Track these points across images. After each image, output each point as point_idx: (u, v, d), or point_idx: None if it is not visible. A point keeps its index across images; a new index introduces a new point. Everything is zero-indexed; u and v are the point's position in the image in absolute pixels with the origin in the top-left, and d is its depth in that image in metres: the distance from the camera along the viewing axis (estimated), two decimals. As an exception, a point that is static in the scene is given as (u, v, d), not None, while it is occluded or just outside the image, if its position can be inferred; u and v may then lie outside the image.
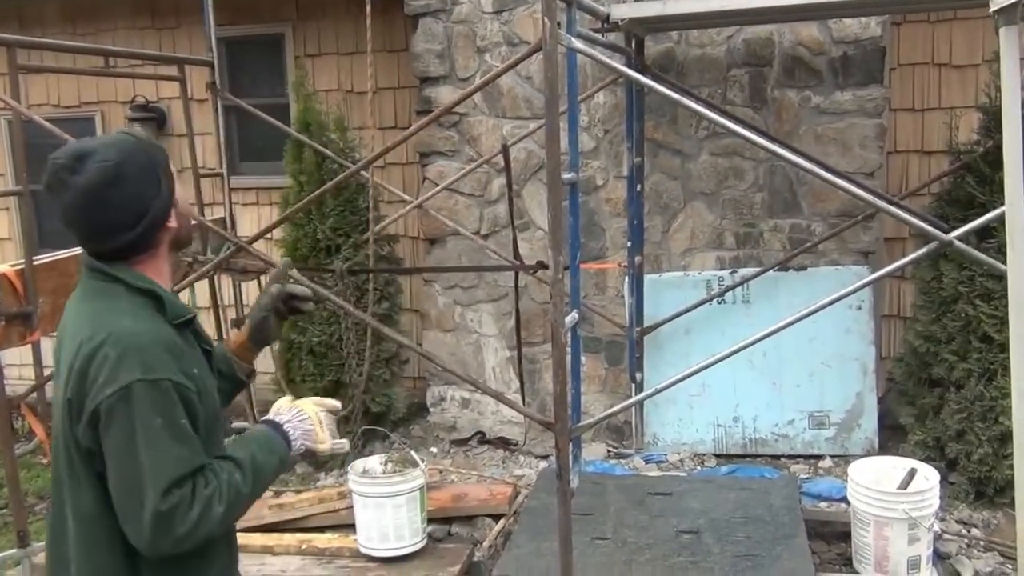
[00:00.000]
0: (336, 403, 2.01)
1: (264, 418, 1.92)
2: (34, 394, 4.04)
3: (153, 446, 1.62)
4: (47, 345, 6.07)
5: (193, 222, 1.93)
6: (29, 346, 3.88)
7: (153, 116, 6.40)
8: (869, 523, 3.67)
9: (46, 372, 4.09)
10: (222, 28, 5.21)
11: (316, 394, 5.05)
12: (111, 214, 1.72)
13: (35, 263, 3.73)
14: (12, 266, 3.71)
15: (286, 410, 1.92)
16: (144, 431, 1.62)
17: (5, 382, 3.76)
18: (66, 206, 1.73)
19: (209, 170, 5.38)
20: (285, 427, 1.88)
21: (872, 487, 3.69)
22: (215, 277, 4.90)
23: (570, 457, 3.01)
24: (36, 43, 4.44)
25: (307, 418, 1.90)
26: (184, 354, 1.74)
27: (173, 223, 1.83)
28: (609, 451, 5.13)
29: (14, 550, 3.89)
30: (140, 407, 1.62)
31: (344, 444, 1.98)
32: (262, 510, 4.50)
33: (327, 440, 1.93)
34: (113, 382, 1.62)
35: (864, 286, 3.17)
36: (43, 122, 3.74)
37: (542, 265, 4.24)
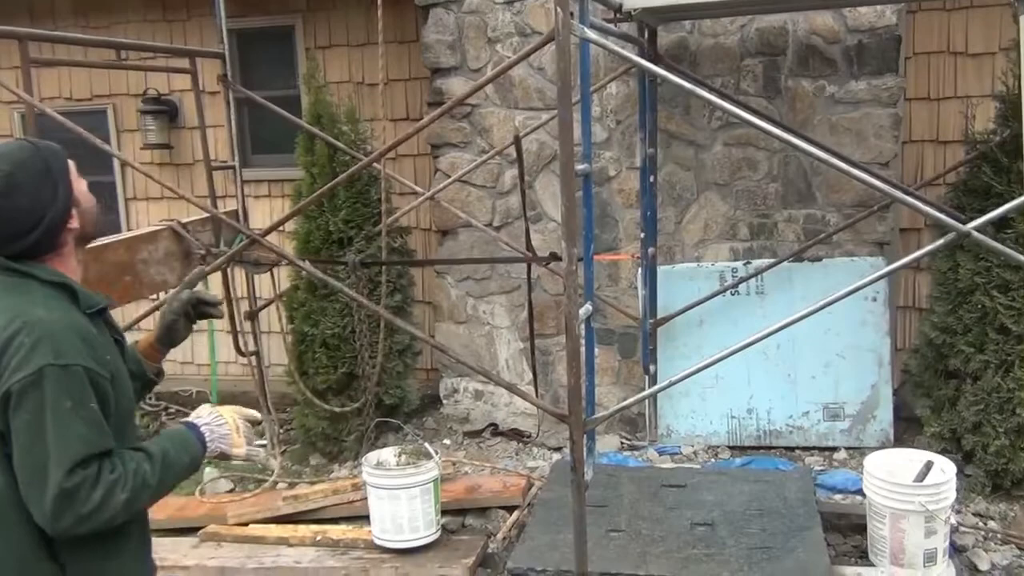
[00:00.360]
0: (255, 414, 2.14)
1: (182, 420, 2.03)
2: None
3: (60, 426, 1.69)
4: (61, 338, 6.12)
5: (95, 215, 1.98)
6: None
7: (165, 109, 6.41)
8: (885, 516, 3.65)
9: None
10: (233, 20, 5.19)
11: (329, 388, 5.12)
12: (6, 224, 1.80)
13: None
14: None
15: (205, 414, 2.02)
16: (53, 413, 1.68)
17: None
18: None
19: (221, 163, 5.37)
20: (202, 429, 1.98)
21: (888, 479, 3.66)
22: (228, 269, 4.90)
23: (584, 449, 3.01)
24: (48, 36, 4.43)
25: (224, 423, 2.02)
26: (97, 342, 1.82)
27: (75, 223, 1.90)
28: (622, 443, 5.13)
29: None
30: (50, 390, 1.69)
31: (259, 452, 2.12)
32: (277, 501, 4.52)
33: (243, 445, 2.05)
34: (25, 366, 1.69)
35: (880, 277, 3.15)
36: (56, 115, 3.74)
37: (555, 257, 4.22)
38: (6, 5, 6.35)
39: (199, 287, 2.31)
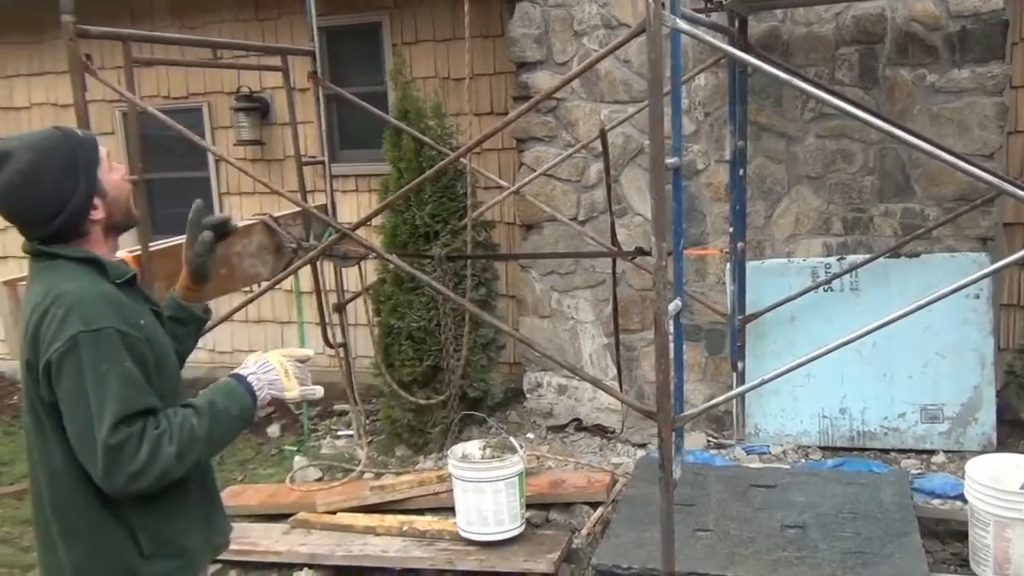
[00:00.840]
0: (306, 352, 2.08)
1: (230, 372, 1.99)
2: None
3: (99, 387, 1.75)
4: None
5: (130, 205, 2.03)
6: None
7: (257, 106, 6.57)
8: (989, 523, 3.49)
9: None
10: (322, 18, 5.29)
11: (415, 380, 5.17)
12: (27, 212, 1.88)
13: (151, 249, 3.88)
14: (130, 252, 3.86)
15: (251, 363, 1.99)
16: (91, 375, 1.75)
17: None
18: None
19: (311, 158, 5.49)
20: (249, 378, 1.95)
21: (992, 485, 3.51)
22: (317, 263, 5.00)
23: (672, 447, 2.96)
24: (149, 36, 4.59)
25: (272, 368, 1.98)
26: (128, 308, 1.88)
27: (99, 214, 1.93)
28: (709, 441, 5.04)
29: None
30: (85, 354, 1.75)
31: (316, 391, 2.04)
32: (364, 491, 4.60)
33: (295, 387, 1.99)
34: (60, 336, 1.76)
35: (987, 275, 3.01)
36: (157, 113, 3.86)
37: (640, 251, 4.17)
38: (109, 7, 6.59)
39: (210, 216, 2.27)
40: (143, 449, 1.74)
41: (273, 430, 6.02)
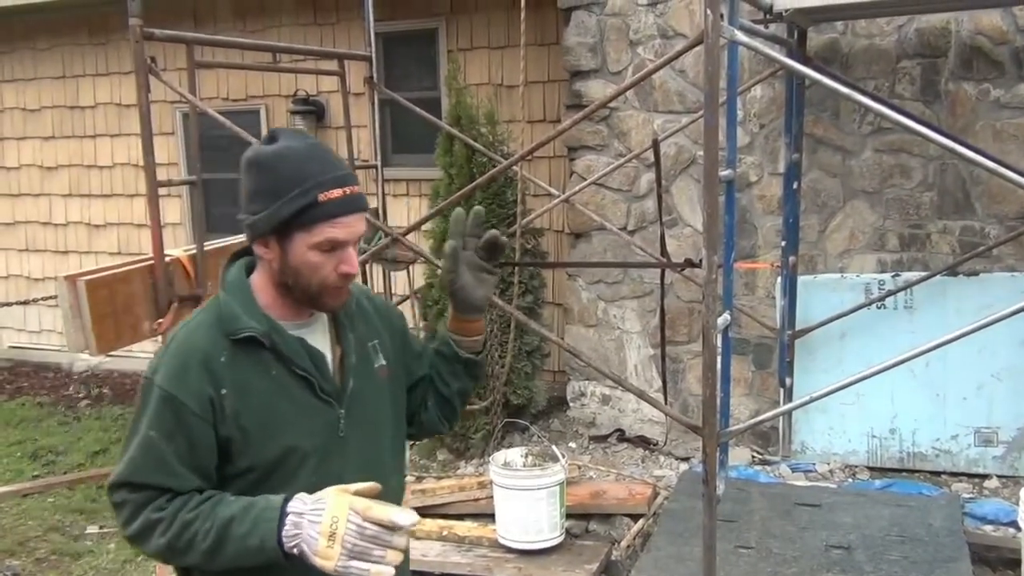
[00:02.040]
0: (397, 518, 1.49)
1: (290, 496, 1.55)
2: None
3: (129, 439, 1.63)
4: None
5: (310, 286, 1.63)
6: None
7: (313, 109, 6.68)
8: (1043, 552, 3.39)
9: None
10: (379, 23, 5.35)
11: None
12: (257, 179, 1.63)
13: (205, 248, 3.95)
14: (185, 251, 3.95)
15: (309, 501, 1.52)
16: (132, 423, 1.64)
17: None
18: None
19: (364, 162, 5.55)
20: (288, 517, 1.51)
21: (1048, 514, 3.41)
22: (367, 266, 5.04)
23: (716, 462, 2.93)
24: (211, 40, 4.69)
25: (320, 522, 1.48)
26: (225, 369, 1.59)
27: (267, 253, 1.62)
28: (754, 457, 4.97)
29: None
30: (140, 400, 1.63)
31: (366, 570, 1.47)
32: (405, 494, 4.61)
33: (333, 558, 1.47)
34: (149, 368, 1.64)
35: (1049, 296, 2.92)
36: (217, 115, 3.94)
37: (690, 263, 4.11)
38: (173, 10, 6.76)
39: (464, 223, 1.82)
40: (135, 524, 1.58)
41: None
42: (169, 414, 1.57)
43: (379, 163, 5.34)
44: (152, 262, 3.72)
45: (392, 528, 1.48)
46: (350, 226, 1.62)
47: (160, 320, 3.70)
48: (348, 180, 1.63)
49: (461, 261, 1.81)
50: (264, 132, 6.86)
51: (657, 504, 4.44)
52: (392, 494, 1.73)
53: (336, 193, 1.59)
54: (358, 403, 1.72)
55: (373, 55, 5.13)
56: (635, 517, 4.35)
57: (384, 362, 1.80)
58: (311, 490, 1.56)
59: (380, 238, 4.39)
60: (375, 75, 5.18)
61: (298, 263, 1.60)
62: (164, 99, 6.75)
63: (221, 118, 3.90)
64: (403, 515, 1.50)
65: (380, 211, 5.29)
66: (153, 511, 1.57)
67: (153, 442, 1.57)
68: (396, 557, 1.49)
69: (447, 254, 1.81)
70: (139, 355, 7.23)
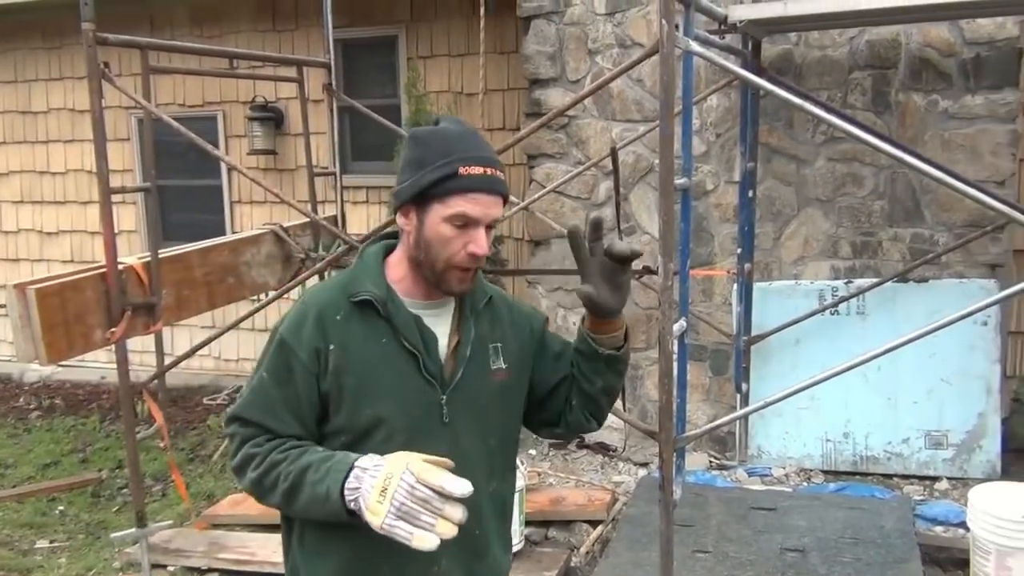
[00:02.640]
0: (452, 487, 1.44)
1: (360, 454, 1.59)
2: (155, 381, 4.23)
3: (250, 377, 1.73)
4: (168, 335, 6.37)
5: (437, 258, 1.65)
6: (152, 335, 4.05)
7: (271, 116, 6.63)
8: (991, 552, 3.47)
9: (166, 361, 4.29)
10: (339, 30, 5.33)
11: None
12: (413, 152, 1.69)
13: (160, 256, 3.90)
14: (139, 259, 3.89)
15: (378, 458, 1.54)
16: (256, 366, 1.74)
17: (128, 368, 3.95)
18: None
19: (322, 169, 5.52)
20: (352, 471, 1.52)
21: (995, 514, 3.48)
22: (326, 274, 5.01)
23: (673, 467, 2.96)
24: (166, 46, 4.63)
25: (377, 477, 1.48)
26: (337, 327, 1.66)
27: (407, 224, 1.68)
28: (711, 462, 5.03)
29: (133, 529, 4.08)
30: (264, 347, 1.73)
31: (417, 537, 1.43)
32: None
33: (381, 514, 1.44)
34: None
35: (997, 302, 3.00)
36: (172, 121, 3.90)
37: (648, 270, 4.17)
38: (128, 15, 6.67)
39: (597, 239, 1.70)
40: (237, 456, 1.67)
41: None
42: (282, 360, 1.66)
43: (338, 170, 5.31)
44: (105, 270, 3.66)
45: (444, 496, 1.44)
46: (485, 205, 1.63)
47: (113, 329, 3.64)
48: (492, 162, 1.66)
49: (593, 273, 1.70)
50: (221, 138, 6.86)
51: (616, 510, 4.46)
52: (486, 498, 1.74)
53: (476, 170, 1.62)
54: (464, 394, 1.72)
55: (332, 62, 5.10)
56: (594, 523, 4.37)
57: (504, 366, 1.78)
58: (381, 427, 1.64)
59: (339, 245, 4.37)
60: (334, 82, 5.16)
61: (431, 235, 1.64)
62: (119, 104, 6.66)
63: (176, 124, 3.86)
64: (457, 483, 1.44)
65: (339, 218, 5.26)
66: (252, 447, 1.64)
67: (264, 384, 1.67)
68: (446, 528, 1.44)
69: (575, 242, 1.71)
70: (92, 365, 7.12)
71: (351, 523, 1.53)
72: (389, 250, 1.77)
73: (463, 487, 1.44)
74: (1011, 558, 3.41)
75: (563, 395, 1.86)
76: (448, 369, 1.72)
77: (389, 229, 1.82)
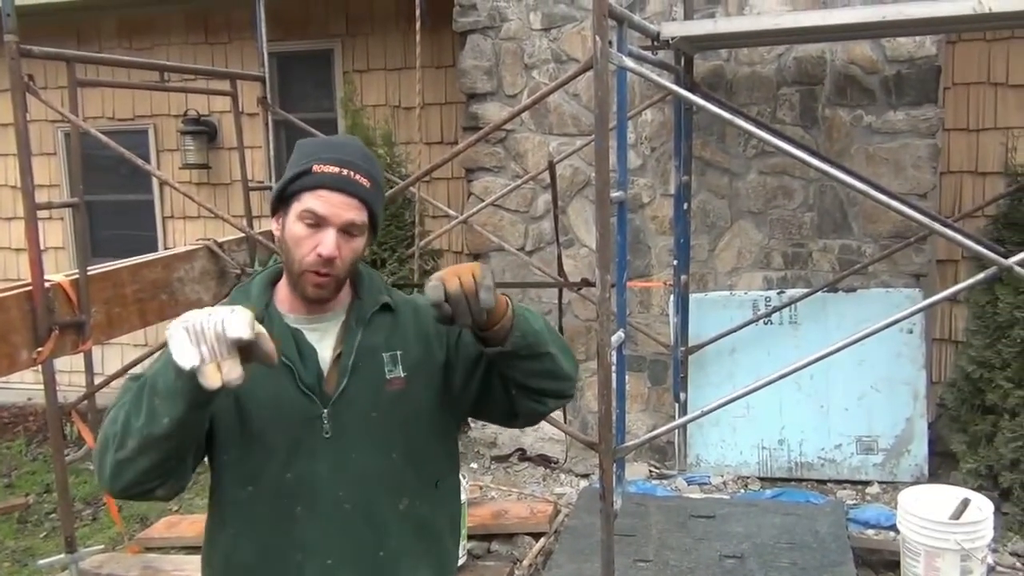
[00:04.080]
0: (235, 327, 1.32)
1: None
2: (85, 401, 4.11)
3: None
4: (98, 354, 6.20)
5: (295, 270, 1.62)
6: (81, 354, 3.94)
7: (204, 129, 6.52)
8: (920, 553, 3.58)
9: (96, 380, 4.17)
10: (273, 43, 5.28)
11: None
12: None
13: (89, 273, 3.80)
14: (67, 276, 3.78)
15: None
16: None
17: (56, 389, 3.83)
18: None
19: (258, 183, 5.45)
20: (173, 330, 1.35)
21: (923, 516, 3.59)
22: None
23: (613, 477, 2.98)
24: (93, 58, 4.53)
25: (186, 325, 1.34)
26: None
27: (277, 230, 1.66)
28: (651, 471, 5.08)
29: (62, 555, 3.95)
30: None
31: (181, 349, 1.32)
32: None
33: (216, 376, 1.32)
34: None
35: (920, 311, 3.10)
36: (100, 135, 3.81)
37: (587, 282, 4.22)
38: (54, 27, 6.51)
39: None
40: (96, 461, 1.55)
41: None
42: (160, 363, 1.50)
43: (273, 184, 5.24)
44: (30, 288, 3.55)
45: (226, 339, 1.32)
46: (334, 204, 1.59)
47: (40, 349, 3.53)
48: (352, 165, 1.62)
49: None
50: (153, 152, 6.72)
51: (558, 522, 4.48)
52: (394, 517, 1.65)
53: (331, 168, 1.60)
54: (351, 407, 1.63)
55: (267, 75, 5.05)
56: (537, 535, 4.37)
57: (403, 374, 1.68)
58: (287, 486, 1.57)
59: (275, 261, 4.31)
60: (269, 96, 5.11)
61: (288, 236, 1.61)
62: (45, 118, 6.47)
63: (104, 138, 3.78)
64: (240, 328, 1.32)
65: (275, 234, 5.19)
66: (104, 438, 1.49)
67: (132, 385, 1.51)
68: (213, 372, 1.32)
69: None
70: (17, 386, 6.87)
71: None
72: (280, 274, 1.73)
73: (239, 330, 1.32)
74: (939, 558, 3.52)
75: (500, 387, 1.72)
76: (329, 382, 1.64)
77: None
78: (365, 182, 1.63)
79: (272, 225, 1.68)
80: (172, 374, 1.37)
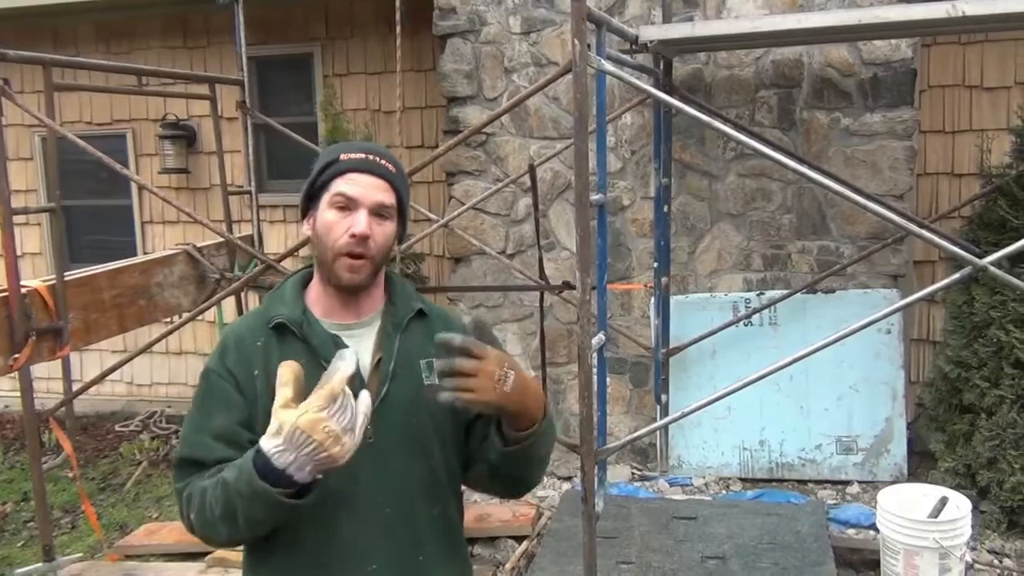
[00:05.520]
0: (342, 373, 1.42)
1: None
2: (62, 408, 4.07)
3: (185, 423, 1.68)
4: (76, 360, 6.15)
5: (330, 248, 1.63)
6: (58, 360, 3.91)
7: (183, 134, 6.49)
8: (899, 552, 3.60)
9: (74, 387, 4.13)
10: (252, 47, 5.27)
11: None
12: None
13: (66, 279, 3.77)
14: (44, 281, 3.75)
15: (280, 432, 1.42)
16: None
17: (34, 396, 3.79)
18: None
19: (237, 187, 5.42)
20: (273, 455, 1.42)
21: (902, 515, 3.62)
22: (242, 294, 4.92)
23: (595, 480, 2.99)
24: (71, 62, 4.49)
25: (311, 439, 1.40)
26: (259, 352, 1.63)
27: (309, 230, 1.67)
28: (633, 473, 5.09)
29: (40, 564, 3.91)
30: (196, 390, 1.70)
31: (359, 425, 1.44)
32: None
33: (347, 446, 1.42)
34: None
35: (897, 311, 3.13)
36: (77, 140, 3.78)
37: (568, 285, 4.22)
38: (31, 31, 6.46)
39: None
40: (183, 508, 1.61)
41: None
42: (207, 390, 1.64)
43: (254, 188, 5.22)
44: (7, 294, 3.51)
45: (341, 394, 1.41)
46: (364, 185, 1.62)
47: (16, 355, 3.50)
48: (375, 150, 1.68)
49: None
50: (131, 157, 6.68)
51: (541, 525, 4.48)
52: (427, 523, 1.66)
53: (357, 155, 1.65)
54: (393, 413, 1.62)
55: (246, 79, 5.03)
56: (519, 539, 4.37)
57: (436, 381, 1.58)
58: (330, 492, 1.53)
59: (255, 265, 4.30)
60: (248, 100, 5.09)
61: (320, 226, 1.63)
62: (21, 122, 6.42)
63: (81, 143, 3.75)
64: (344, 370, 1.42)
65: (255, 238, 5.18)
66: (187, 492, 1.58)
67: (192, 418, 1.64)
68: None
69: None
70: (-5, 393, 6.81)
71: (293, 506, 1.45)
72: (311, 277, 1.74)
73: (349, 366, 1.43)
74: (918, 557, 3.55)
75: (477, 445, 1.70)
76: (371, 387, 1.60)
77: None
78: (391, 167, 1.68)
79: (303, 228, 1.70)
80: (266, 493, 1.44)
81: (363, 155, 1.65)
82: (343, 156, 1.65)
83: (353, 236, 1.60)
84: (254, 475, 1.43)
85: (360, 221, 1.60)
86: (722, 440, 4.96)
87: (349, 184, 1.62)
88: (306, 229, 1.69)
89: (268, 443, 1.43)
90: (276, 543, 1.61)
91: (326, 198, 1.64)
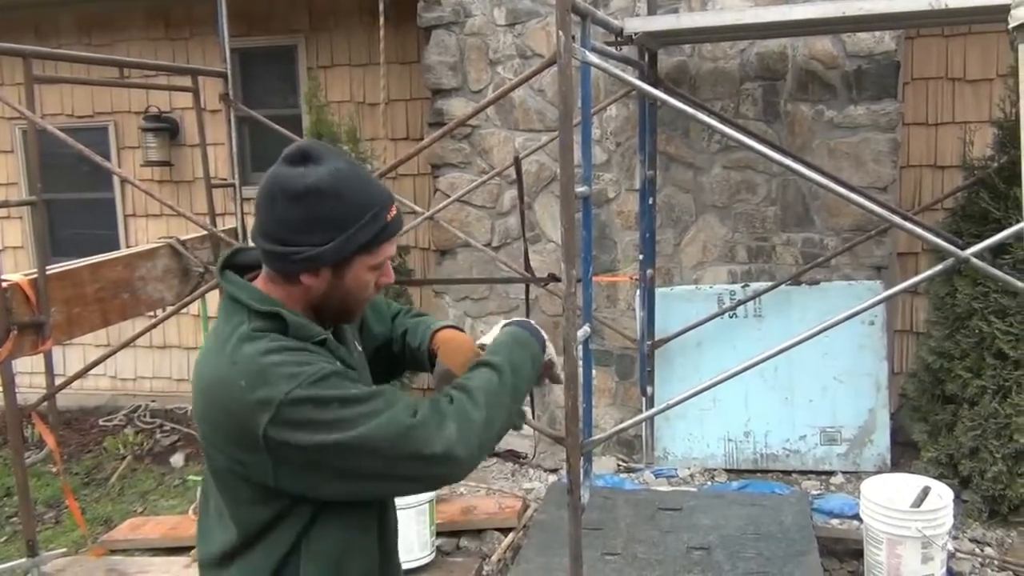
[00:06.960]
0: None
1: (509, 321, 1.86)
2: (45, 403, 4.05)
3: (343, 447, 1.48)
4: (59, 354, 6.10)
5: (346, 306, 1.61)
6: (41, 355, 3.88)
7: (166, 126, 6.44)
8: (882, 541, 3.63)
9: (57, 381, 4.11)
10: (236, 39, 5.22)
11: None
12: (301, 217, 1.50)
13: (48, 272, 3.74)
14: (25, 275, 3.72)
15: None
16: (326, 445, 1.47)
17: (16, 391, 3.77)
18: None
19: (221, 180, 5.40)
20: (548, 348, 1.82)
21: (885, 504, 3.65)
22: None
23: (581, 472, 2.99)
24: (51, 54, 4.46)
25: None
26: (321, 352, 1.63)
27: (314, 281, 1.53)
28: (619, 465, 5.11)
29: (23, 559, 3.89)
30: (309, 430, 1.50)
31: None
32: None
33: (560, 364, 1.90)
34: None
35: (880, 302, 3.15)
36: (57, 132, 3.75)
37: (554, 277, 4.22)
38: (11, 22, 6.39)
39: None
40: (441, 432, 1.58)
41: (176, 460, 5.84)
42: (335, 378, 1.47)
43: (237, 181, 5.19)
44: (-12, 288, 3.49)
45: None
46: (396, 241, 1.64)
47: (-2, 349, 3.47)
48: (392, 195, 1.64)
49: None
50: (113, 150, 6.61)
51: (527, 517, 4.49)
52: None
53: (394, 211, 1.58)
54: None
55: (229, 71, 4.99)
56: (506, 531, 4.38)
57: (360, 348, 1.78)
58: None
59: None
60: (231, 92, 5.05)
61: (352, 285, 1.56)
62: (2, 115, 6.36)
63: (62, 135, 3.72)
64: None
65: (240, 230, 5.15)
66: (435, 405, 1.54)
67: (361, 408, 1.46)
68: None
69: None
70: (-23, 388, 6.75)
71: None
72: (259, 292, 1.59)
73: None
74: (900, 546, 3.58)
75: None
76: (363, 374, 1.74)
77: (233, 257, 1.69)
78: None
79: (305, 278, 1.53)
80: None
81: (396, 208, 1.57)
82: (387, 216, 1.54)
83: (381, 286, 1.63)
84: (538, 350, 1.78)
85: (389, 272, 1.63)
86: (707, 431, 4.98)
87: (392, 245, 1.59)
88: (310, 282, 1.53)
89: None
90: (336, 547, 1.56)
91: (368, 261, 1.54)
